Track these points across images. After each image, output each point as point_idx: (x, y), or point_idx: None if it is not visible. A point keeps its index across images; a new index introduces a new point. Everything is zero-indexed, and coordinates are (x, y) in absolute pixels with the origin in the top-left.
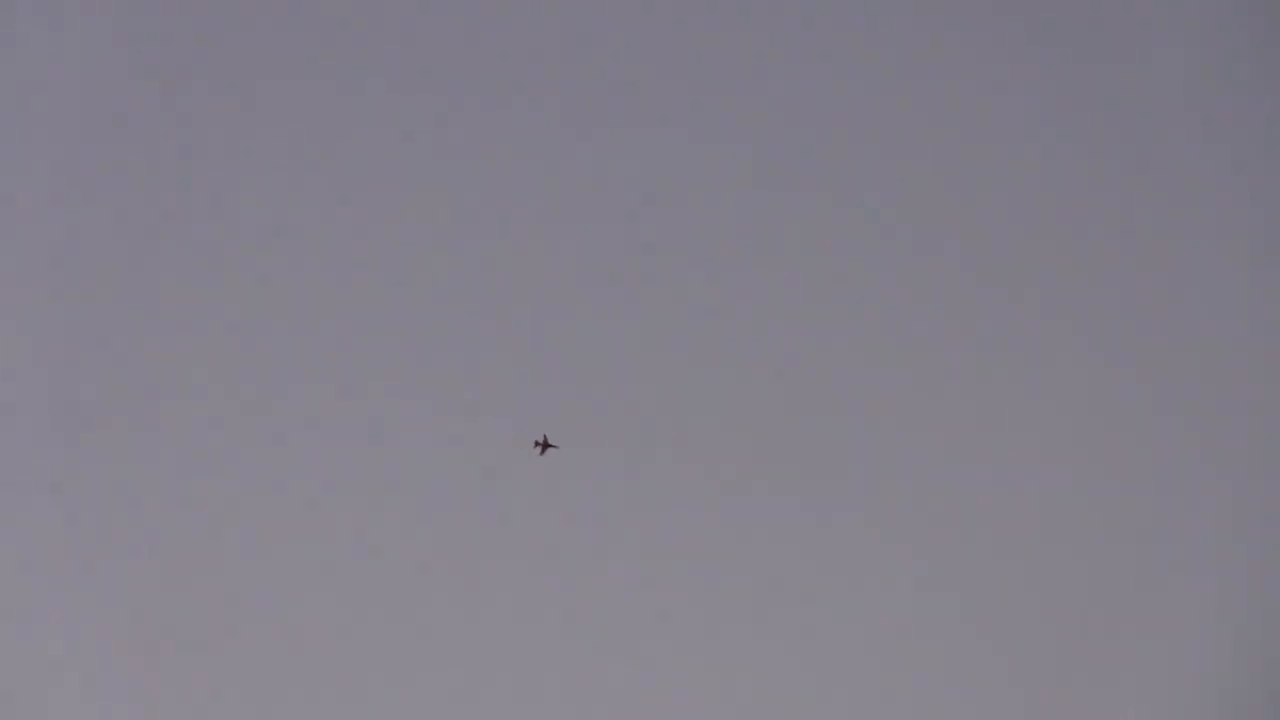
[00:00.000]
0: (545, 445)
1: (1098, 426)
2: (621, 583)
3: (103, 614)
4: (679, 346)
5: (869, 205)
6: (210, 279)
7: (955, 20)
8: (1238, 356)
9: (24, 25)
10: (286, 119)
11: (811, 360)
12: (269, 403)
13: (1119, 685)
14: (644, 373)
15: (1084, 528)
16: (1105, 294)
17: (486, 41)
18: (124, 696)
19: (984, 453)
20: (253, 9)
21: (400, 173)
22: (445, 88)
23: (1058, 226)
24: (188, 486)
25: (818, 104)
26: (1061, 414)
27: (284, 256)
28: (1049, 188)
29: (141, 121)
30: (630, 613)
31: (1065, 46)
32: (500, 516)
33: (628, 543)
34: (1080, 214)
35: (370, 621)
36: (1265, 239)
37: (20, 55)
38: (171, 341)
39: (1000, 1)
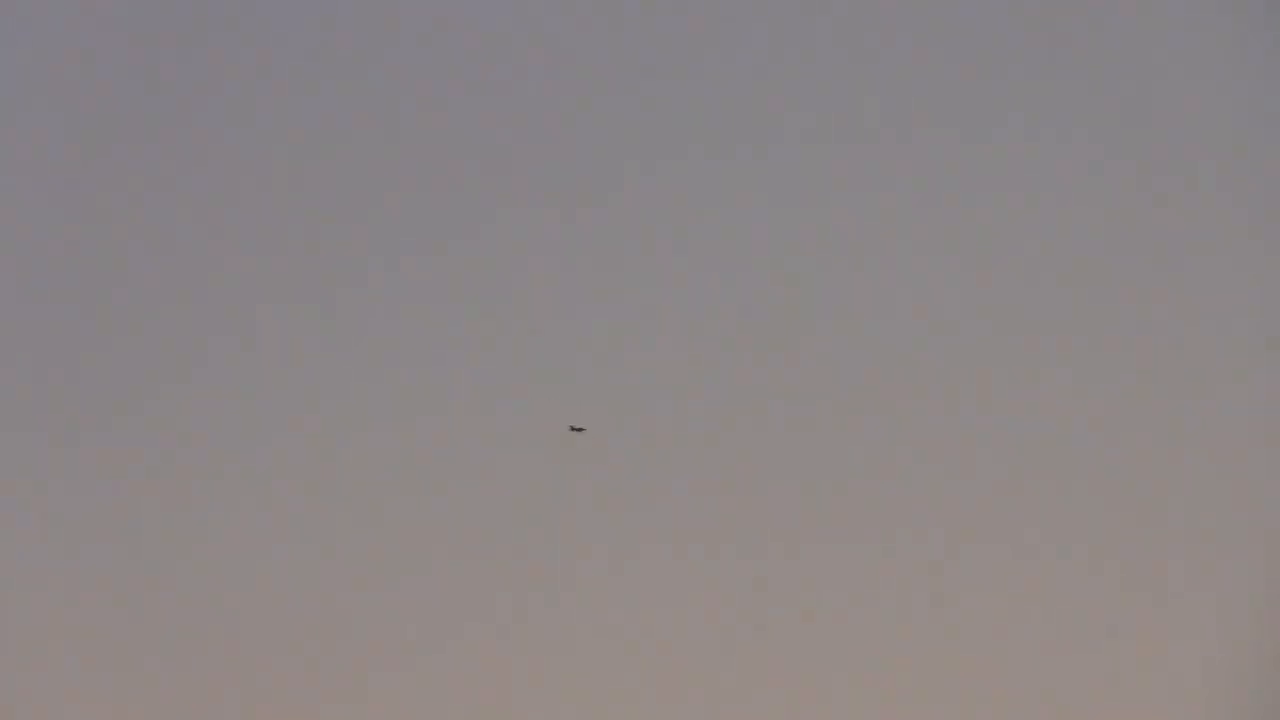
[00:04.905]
0: (575, 429)
1: (1098, 429)
2: (631, 587)
3: (102, 614)
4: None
5: (876, 211)
6: (216, 284)
7: (970, 33)
8: (1238, 358)
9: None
10: (290, 118)
11: (821, 366)
12: (274, 406)
13: (1123, 686)
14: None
15: (1083, 533)
16: (1109, 297)
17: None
18: (123, 697)
19: (994, 459)
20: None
21: (414, 173)
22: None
23: (1059, 233)
24: (190, 488)
25: (832, 115)
26: (1063, 417)
27: (284, 258)
28: (1050, 196)
29: (139, 118)
30: (636, 615)
31: (1074, 61)
32: (500, 520)
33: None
34: (1082, 221)
35: (372, 621)
36: (1266, 242)
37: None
38: (173, 343)
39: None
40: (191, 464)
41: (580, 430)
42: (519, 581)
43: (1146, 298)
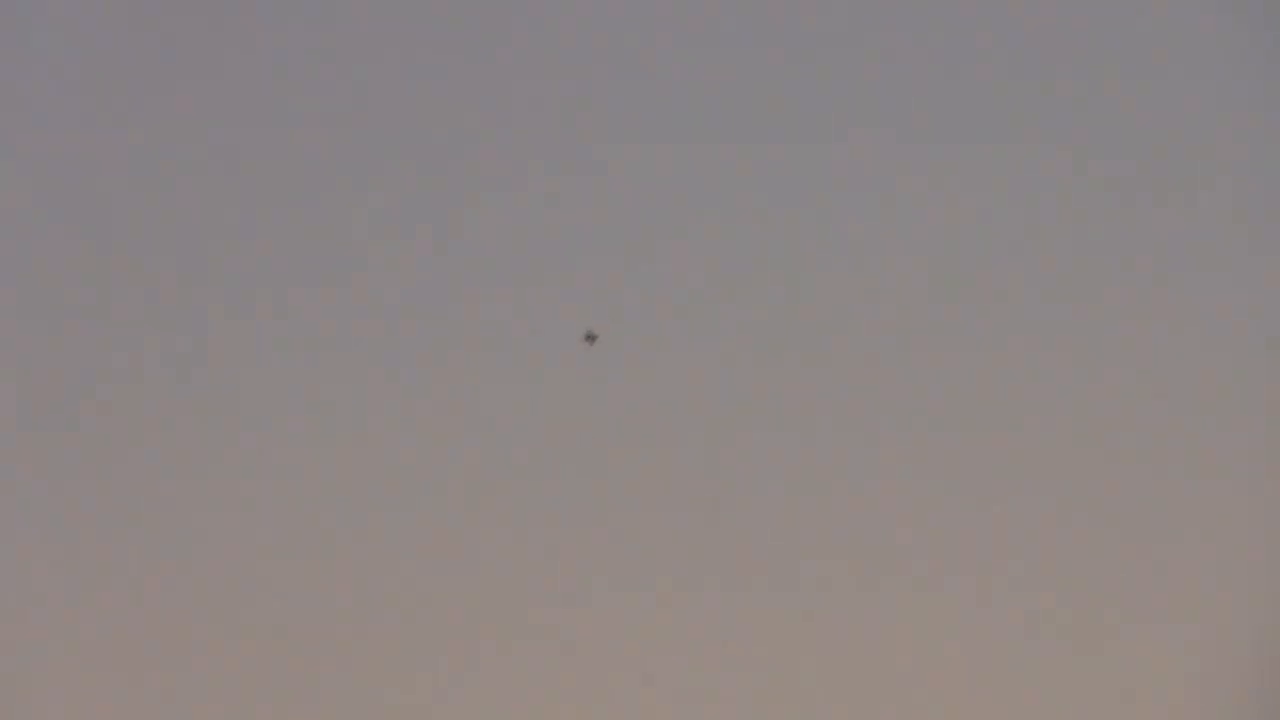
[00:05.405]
0: (590, 338)
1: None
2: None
3: (100, 614)
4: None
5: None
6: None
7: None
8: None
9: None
10: (290, 118)
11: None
12: (267, 398)
13: (1126, 685)
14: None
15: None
16: (1110, 299)
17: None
18: (123, 697)
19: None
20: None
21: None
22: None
23: (1058, 233)
24: (187, 484)
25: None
26: (1061, 418)
27: (283, 259)
28: (1049, 196)
29: (138, 116)
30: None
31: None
32: (504, 508)
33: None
34: (1082, 223)
35: (371, 618)
36: (1266, 241)
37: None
38: (173, 343)
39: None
40: (191, 464)
41: (594, 338)
42: (519, 582)
43: (1146, 298)
